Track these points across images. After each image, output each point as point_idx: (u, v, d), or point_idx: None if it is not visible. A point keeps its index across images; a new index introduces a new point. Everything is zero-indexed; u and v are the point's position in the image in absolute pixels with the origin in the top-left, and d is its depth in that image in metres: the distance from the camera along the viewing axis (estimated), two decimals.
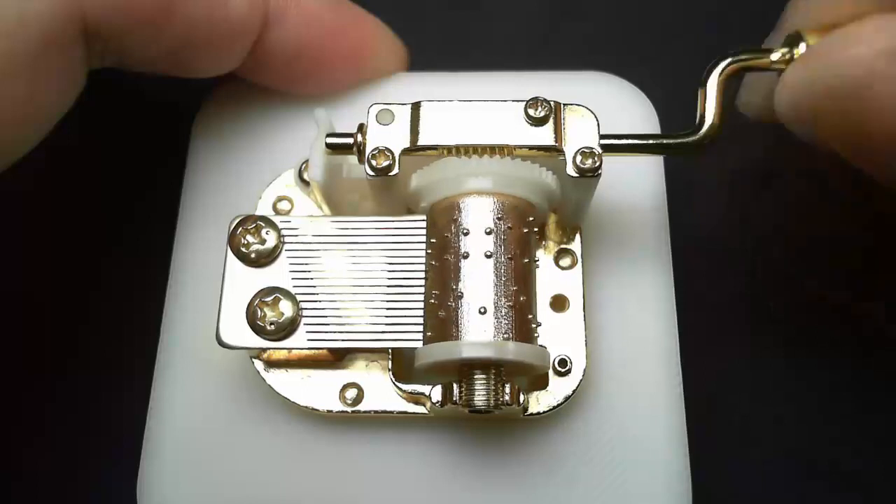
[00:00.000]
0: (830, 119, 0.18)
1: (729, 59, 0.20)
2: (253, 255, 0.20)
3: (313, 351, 0.20)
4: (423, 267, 0.20)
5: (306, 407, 0.20)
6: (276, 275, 0.20)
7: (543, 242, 0.21)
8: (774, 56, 0.19)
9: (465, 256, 0.19)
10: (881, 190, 0.20)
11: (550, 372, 0.20)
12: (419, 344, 0.19)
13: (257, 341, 0.19)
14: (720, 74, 0.20)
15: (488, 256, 0.19)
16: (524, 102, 0.19)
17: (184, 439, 0.21)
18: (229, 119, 0.24)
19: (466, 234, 0.19)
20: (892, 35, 0.17)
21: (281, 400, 0.21)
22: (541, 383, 0.20)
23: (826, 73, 0.17)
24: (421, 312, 0.19)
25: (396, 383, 0.20)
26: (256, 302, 0.19)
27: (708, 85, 0.20)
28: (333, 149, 0.20)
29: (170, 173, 0.24)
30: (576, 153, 0.19)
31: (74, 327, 0.25)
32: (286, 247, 0.20)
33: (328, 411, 0.20)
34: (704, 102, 0.20)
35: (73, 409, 0.24)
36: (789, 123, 0.19)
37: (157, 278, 0.23)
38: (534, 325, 0.19)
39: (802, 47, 0.19)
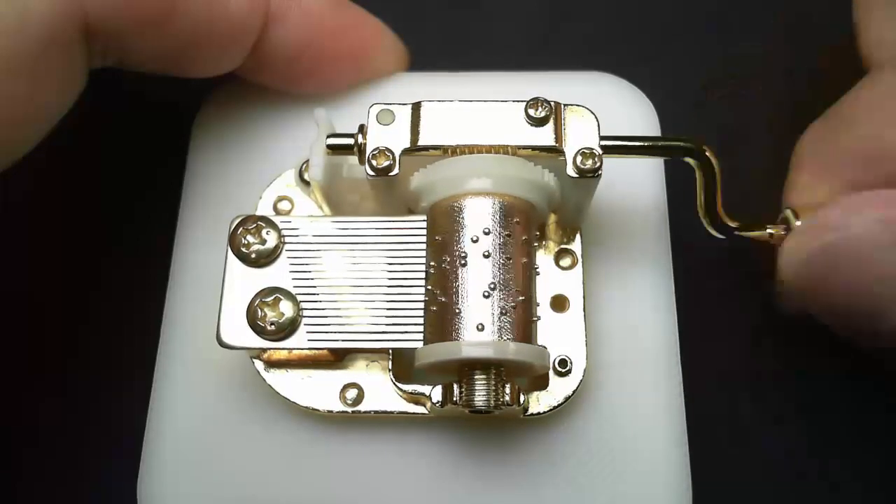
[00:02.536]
0: (823, 283, 0.20)
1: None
2: (253, 256, 0.20)
3: (313, 351, 0.20)
4: (423, 267, 0.20)
5: (306, 407, 0.20)
6: (277, 275, 0.20)
7: (543, 242, 0.21)
8: (770, 231, 0.21)
9: (466, 256, 0.19)
10: None
11: (550, 372, 0.20)
12: (419, 344, 0.19)
13: (257, 341, 0.19)
14: None
15: (488, 256, 0.19)
16: (524, 103, 0.19)
17: (184, 439, 0.21)
18: (229, 119, 0.24)
19: (467, 234, 0.19)
20: (890, 203, 0.19)
21: (281, 400, 0.21)
22: (541, 383, 0.20)
23: (805, 246, 0.20)
24: (421, 312, 0.19)
25: (397, 383, 0.20)
26: (257, 302, 0.19)
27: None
28: (334, 149, 0.20)
29: (170, 173, 0.24)
30: (576, 154, 0.19)
31: (74, 327, 0.25)
32: (286, 247, 0.20)
33: (328, 411, 0.20)
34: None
35: (73, 409, 0.24)
36: (793, 295, 0.21)
37: (157, 278, 0.23)
38: (534, 326, 0.19)
39: (798, 223, 0.21)
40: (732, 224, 0.21)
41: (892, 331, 0.19)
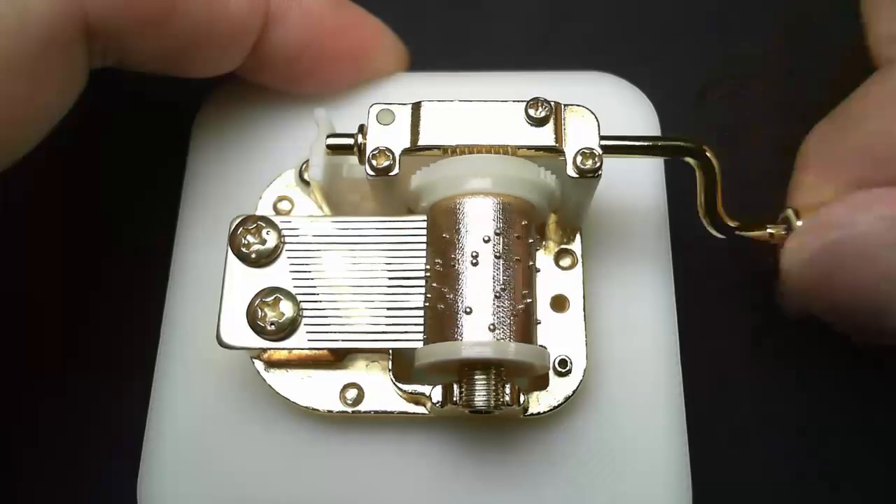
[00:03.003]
0: (823, 282, 0.20)
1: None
2: (253, 256, 0.20)
3: (313, 351, 0.20)
4: (423, 267, 0.20)
5: (306, 407, 0.20)
6: (277, 275, 0.20)
7: (543, 242, 0.21)
8: (771, 230, 0.21)
9: (466, 256, 0.19)
10: None
11: (550, 372, 0.20)
12: (419, 344, 0.19)
13: (258, 341, 0.19)
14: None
15: (488, 256, 0.19)
16: (524, 103, 0.19)
17: (184, 439, 0.21)
18: (229, 119, 0.24)
19: (466, 234, 0.19)
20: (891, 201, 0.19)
21: (281, 400, 0.21)
22: (541, 383, 0.20)
23: (809, 245, 0.20)
24: (421, 312, 0.19)
25: (397, 383, 0.20)
26: (257, 302, 0.19)
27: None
28: (334, 149, 0.20)
29: (170, 173, 0.24)
30: (576, 154, 0.19)
31: (74, 327, 0.25)
32: (287, 247, 0.20)
33: (328, 411, 0.20)
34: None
35: (73, 409, 0.24)
36: (796, 294, 0.21)
37: (157, 278, 0.23)
38: (534, 326, 0.19)
39: (799, 223, 0.20)
40: (732, 224, 0.21)
41: None
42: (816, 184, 0.21)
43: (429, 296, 0.19)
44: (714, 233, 0.21)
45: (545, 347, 0.20)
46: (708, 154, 0.20)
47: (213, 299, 0.20)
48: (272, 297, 0.19)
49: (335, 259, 0.20)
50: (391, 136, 0.20)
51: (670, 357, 0.21)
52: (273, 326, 0.19)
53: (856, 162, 0.20)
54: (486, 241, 0.19)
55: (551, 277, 0.21)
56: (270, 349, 0.20)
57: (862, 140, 0.20)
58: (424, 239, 0.20)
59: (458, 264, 0.19)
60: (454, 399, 0.19)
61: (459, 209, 0.19)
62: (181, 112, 0.25)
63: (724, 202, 0.21)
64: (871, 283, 0.19)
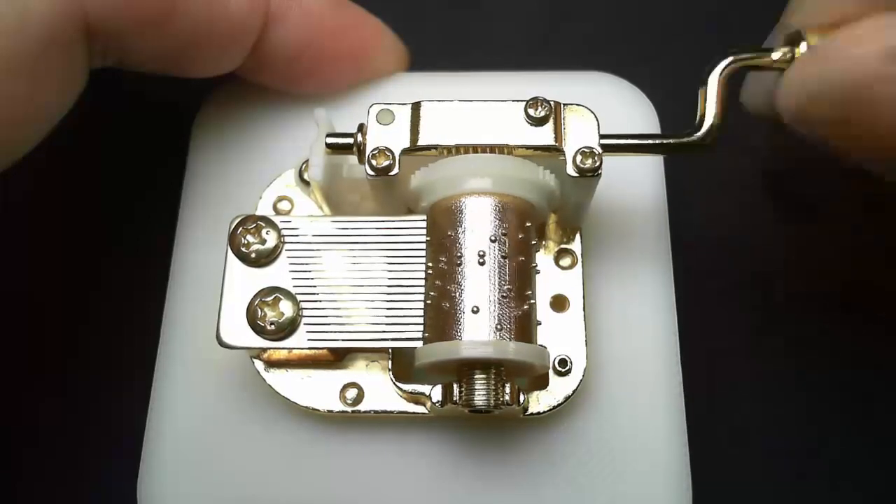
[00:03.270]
0: (831, 119, 0.18)
1: (730, 59, 0.20)
2: (253, 255, 0.20)
3: (313, 351, 0.20)
4: (423, 267, 0.20)
5: (306, 407, 0.20)
6: (277, 275, 0.20)
7: (543, 242, 0.21)
8: (775, 55, 0.19)
9: (465, 256, 0.19)
10: (882, 187, 0.20)
11: (550, 372, 0.20)
12: (419, 344, 0.19)
13: (257, 341, 0.19)
14: (721, 74, 0.20)
15: (488, 256, 0.19)
16: (524, 102, 0.19)
17: (184, 439, 0.21)
18: (229, 119, 0.24)
19: (471, 234, 0.19)
20: (891, 35, 0.17)
21: (281, 400, 0.21)
22: (541, 383, 0.20)
23: (826, 74, 0.18)
24: (421, 312, 0.19)
25: (396, 383, 0.20)
26: (256, 302, 0.19)
27: (708, 84, 0.20)
28: (333, 149, 0.20)
29: (170, 173, 0.24)
30: (576, 153, 0.19)
31: (74, 327, 0.25)
32: (286, 247, 0.20)
33: (328, 411, 0.20)
34: (705, 102, 0.20)
35: (73, 409, 0.24)
36: (790, 122, 0.19)
37: (157, 278, 0.23)
38: (534, 325, 0.19)
39: (803, 47, 0.19)
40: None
41: None
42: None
43: (433, 294, 0.19)
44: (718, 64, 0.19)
45: (545, 347, 0.20)
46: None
47: (213, 299, 0.20)
48: (272, 297, 0.19)
49: (335, 259, 0.20)
50: (391, 136, 0.20)
51: (670, 357, 0.21)
52: (273, 326, 0.19)
53: None
54: (486, 241, 0.19)
55: (551, 277, 0.21)
56: (270, 349, 0.20)
57: None
58: (424, 239, 0.20)
59: (458, 264, 0.19)
60: (454, 399, 0.19)
61: (460, 209, 0.19)
62: (181, 112, 0.25)
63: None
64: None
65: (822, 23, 0.18)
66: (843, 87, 0.17)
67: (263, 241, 0.20)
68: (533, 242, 0.20)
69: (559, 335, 0.20)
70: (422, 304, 0.19)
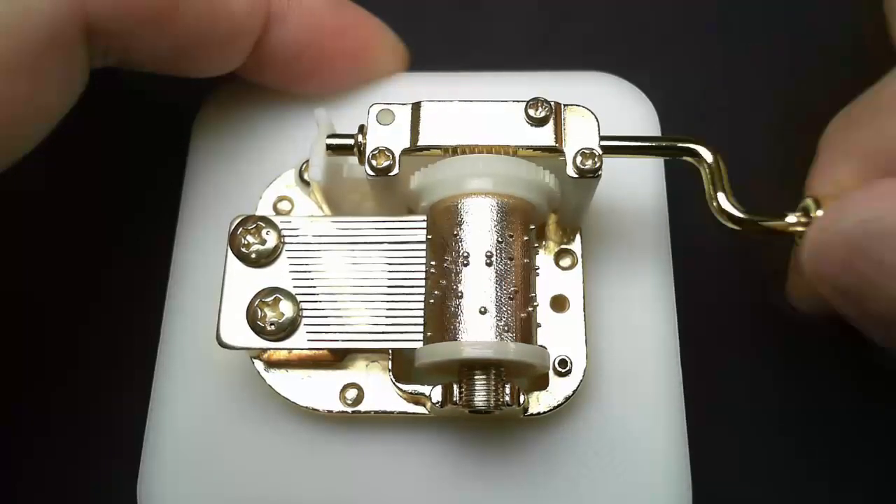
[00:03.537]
0: (837, 277, 0.19)
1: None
2: (253, 256, 0.20)
3: (313, 351, 0.20)
4: (423, 267, 0.20)
5: (306, 407, 0.20)
6: (277, 275, 0.20)
7: (543, 242, 0.21)
8: (790, 219, 0.20)
9: (466, 256, 0.19)
10: None
11: (550, 372, 0.20)
12: (419, 344, 0.19)
13: (257, 341, 0.19)
14: None
15: (488, 256, 0.19)
16: (524, 103, 0.19)
17: (184, 439, 0.21)
18: (229, 119, 0.24)
19: (466, 234, 0.19)
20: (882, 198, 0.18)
21: (281, 400, 0.21)
22: (541, 383, 0.20)
23: (831, 233, 0.19)
24: (421, 312, 0.19)
25: (396, 383, 0.20)
26: (256, 302, 0.19)
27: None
28: (334, 149, 0.20)
29: (170, 173, 0.24)
30: (576, 154, 0.19)
31: (74, 327, 0.25)
32: (286, 247, 0.20)
33: (328, 411, 0.20)
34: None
35: (73, 408, 0.24)
36: (816, 286, 0.20)
37: (157, 278, 0.23)
38: (534, 326, 0.19)
39: (819, 212, 0.20)
40: (746, 216, 0.20)
41: None
42: (837, 173, 0.20)
43: (436, 293, 0.19)
44: (729, 225, 0.20)
45: (545, 347, 0.20)
46: (709, 152, 0.20)
47: (213, 299, 0.20)
48: (272, 297, 0.20)
49: (335, 259, 0.20)
50: (391, 136, 0.20)
51: (670, 357, 0.21)
52: (273, 326, 0.19)
53: (880, 151, 0.20)
54: (487, 241, 0.19)
55: (551, 277, 0.21)
56: (270, 349, 0.20)
57: (887, 131, 0.19)
58: (424, 239, 0.20)
59: (458, 264, 0.19)
60: (454, 399, 0.19)
61: (460, 209, 0.19)
62: (181, 112, 0.25)
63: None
64: None
65: (836, 191, 0.20)
66: (869, 237, 0.18)
67: (263, 242, 0.20)
68: (527, 239, 0.20)
69: (559, 335, 0.20)
70: (422, 305, 0.19)
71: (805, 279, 0.20)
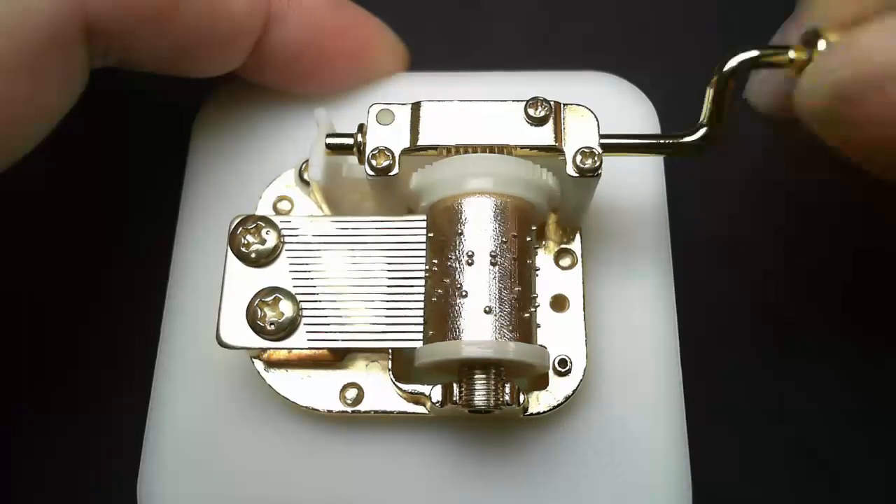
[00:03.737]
0: (854, 118, 0.18)
1: (755, 52, 0.19)
2: (253, 255, 0.20)
3: (313, 351, 0.20)
4: (423, 267, 0.20)
5: (306, 407, 0.20)
6: (277, 275, 0.20)
7: (543, 242, 0.21)
8: (792, 54, 0.19)
9: (465, 256, 0.19)
10: (882, 190, 0.20)
11: (550, 372, 0.20)
12: (419, 344, 0.19)
13: (257, 341, 0.19)
14: (733, 70, 0.19)
15: (488, 256, 0.19)
16: (524, 102, 0.19)
17: (184, 439, 0.21)
18: (229, 119, 0.24)
19: (466, 234, 0.19)
20: None
21: (281, 400, 0.21)
22: (541, 383, 0.20)
23: (844, 73, 0.17)
24: (421, 312, 0.19)
25: (396, 383, 0.20)
26: (256, 302, 0.19)
27: (718, 81, 0.19)
28: (333, 149, 0.20)
29: (170, 173, 0.24)
30: (576, 153, 0.19)
31: (74, 327, 0.25)
32: (286, 247, 0.20)
33: (328, 411, 0.20)
34: (713, 100, 0.19)
35: (73, 408, 0.24)
36: (810, 121, 0.19)
37: (157, 278, 0.23)
38: (534, 325, 0.19)
39: (822, 45, 0.18)
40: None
41: None
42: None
43: (439, 292, 0.19)
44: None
45: (545, 347, 0.20)
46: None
47: (213, 299, 0.20)
48: (272, 297, 0.20)
49: (335, 259, 0.20)
50: (391, 136, 0.20)
51: (670, 357, 0.21)
52: (273, 326, 0.19)
53: None
54: (486, 241, 0.19)
55: (551, 277, 0.21)
56: (270, 349, 0.20)
57: None
58: (424, 239, 0.20)
59: (458, 264, 0.19)
60: (454, 399, 0.19)
61: (459, 209, 0.19)
62: (181, 112, 0.25)
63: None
64: None
65: (840, 20, 0.18)
66: (868, 82, 0.17)
67: (263, 241, 0.20)
68: (527, 239, 0.20)
69: (559, 335, 0.20)
70: (422, 305, 0.19)
71: (792, 106, 0.19)
